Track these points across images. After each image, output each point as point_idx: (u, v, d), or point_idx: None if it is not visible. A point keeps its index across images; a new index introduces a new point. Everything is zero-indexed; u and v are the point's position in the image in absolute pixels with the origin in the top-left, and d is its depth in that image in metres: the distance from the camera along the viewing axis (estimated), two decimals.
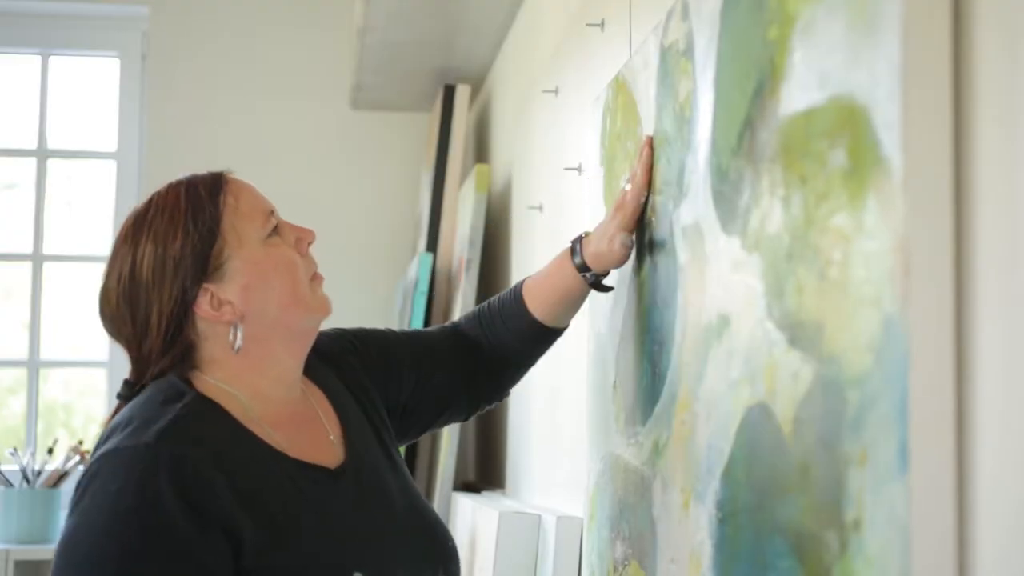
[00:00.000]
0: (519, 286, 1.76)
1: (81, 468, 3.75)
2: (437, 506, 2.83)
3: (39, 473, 3.72)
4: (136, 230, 1.55)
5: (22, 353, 4.10)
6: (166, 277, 1.51)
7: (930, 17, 0.89)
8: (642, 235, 1.61)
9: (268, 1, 4.08)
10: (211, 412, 1.49)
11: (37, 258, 4.09)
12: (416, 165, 4.04)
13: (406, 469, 1.70)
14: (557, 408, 2.28)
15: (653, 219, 1.56)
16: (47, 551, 3.61)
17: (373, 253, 3.99)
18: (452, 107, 3.47)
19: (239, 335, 1.52)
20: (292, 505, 1.46)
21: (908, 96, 0.89)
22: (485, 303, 1.83)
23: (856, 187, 0.96)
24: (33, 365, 4.07)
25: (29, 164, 4.15)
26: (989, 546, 0.85)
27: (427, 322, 3.17)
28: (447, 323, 1.86)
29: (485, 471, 3.28)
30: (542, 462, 2.44)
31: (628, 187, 1.62)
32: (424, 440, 3.17)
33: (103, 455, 1.42)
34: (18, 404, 4.22)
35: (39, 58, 4.17)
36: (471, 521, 2.42)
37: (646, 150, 1.59)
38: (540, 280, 1.73)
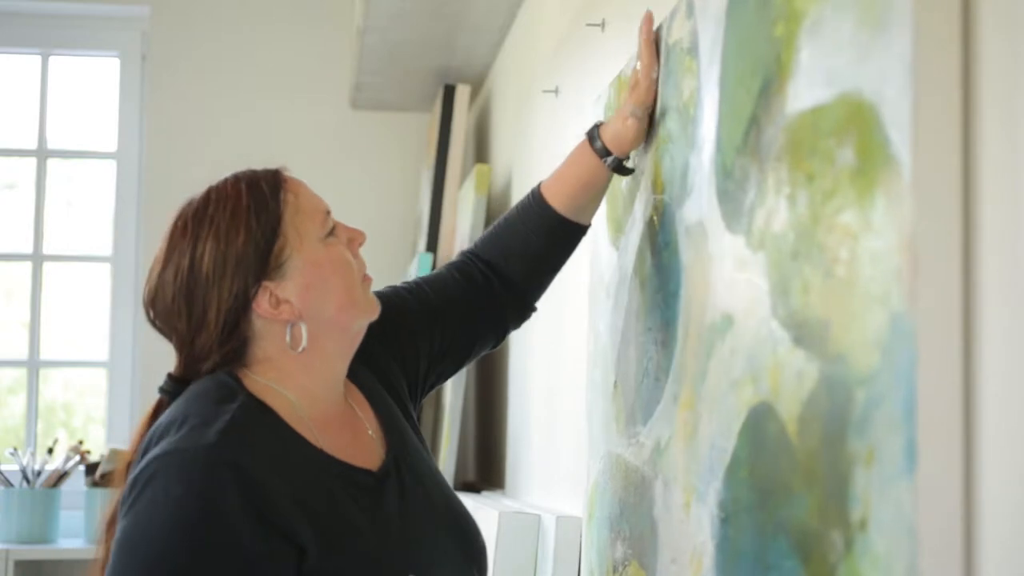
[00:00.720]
0: (536, 188, 1.72)
1: (81, 468, 3.75)
2: None
3: (39, 473, 3.72)
4: (196, 224, 1.52)
5: (22, 353, 4.09)
6: (227, 274, 1.49)
7: (940, 14, 0.89)
8: (645, 234, 1.61)
9: (268, 1, 4.08)
10: (264, 414, 1.47)
11: (37, 258, 4.08)
12: (416, 165, 4.04)
13: (432, 458, 1.69)
14: (557, 408, 2.28)
15: (656, 218, 1.56)
16: (47, 551, 3.61)
17: (373, 253, 3.94)
18: (452, 107, 3.47)
19: (304, 334, 1.51)
20: (344, 509, 1.45)
21: (918, 94, 0.89)
22: (499, 218, 1.79)
23: (864, 185, 0.96)
24: (33, 365, 4.07)
25: (29, 164, 4.15)
26: (996, 545, 0.85)
27: None
28: (459, 256, 1.81)
29: (485, 471, 3.28)
30: (542, 462, 2.43)
31: (637, 65, 1.61)
32: (424, 439, 3.16)
33: (162, 455, 1.40)
34: (18, 404, 4.22)
35: (39, 58, 4.16)
36: None
37: (646, 26, 1.59)
38: (559, 174, 1.70)
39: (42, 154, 4.13)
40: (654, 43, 1.59)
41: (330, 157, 4.05)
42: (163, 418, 1.47)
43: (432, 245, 3.37)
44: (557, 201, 1.69)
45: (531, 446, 2.55)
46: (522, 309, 1.78)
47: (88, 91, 4.27)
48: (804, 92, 1.08)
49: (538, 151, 2.59)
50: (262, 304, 1.49)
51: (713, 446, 1.28)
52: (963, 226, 0.88)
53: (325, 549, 1.41)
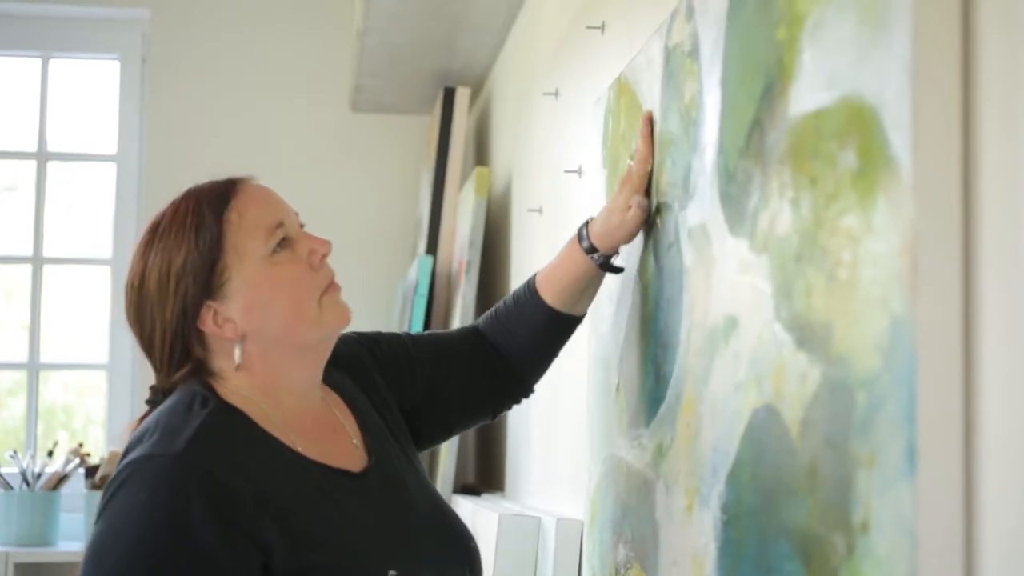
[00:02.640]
0: (532, 279, 1.75)
1: (81, 471, 3.75)
2: None
3: (39, 476, 3.72)
4: (149, 239, 1.55)
5: (22, 355, 4.09)
6: (168, 293, 1.51)
7: (940, 17, 0.89)
8: (647, 237, 1.61)
9: (268, 4, 4.08)
10: (235, 419, 1.48)
11: (37, 260, 4.08)
12: (416, 167, 4.04)
13: (424, 470, 1.70)
14: (557, 410, 2.28)
15: (658, 221, 1.56)
16: (47, 554, 3.61)
17: (373, 255, 3.98)
18: (452, 109, 3.47)
19: (238, 353, 1.51)
20: (319, 509, 1.46)
21: (918, 97, 0.89)
22: (500, 302, 1.81)
23: (865, 188, 0.96)
24: (33, 367, 4.07)
25: (29, 166, 4.15)
26: (996, 548, 0.85)
27: (426, 325, 3.16)
28: (467, 325, 1.85)
29: (485, 473, 3.28)
30: (542, 464, 2.43)
31: (631, 163, 1.62)
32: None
33: (132, 462, 1.42)
34: (18, 406, 4.22)
35: (39, 60, 4.16)
36: (471, 523, 2.42)
37: (645, 125, 1.60)
38: (551, 269, 1.72)
39: (42, 156, 4.13)
40: (651, 141, 1.61)
41: (330, 159, 4.05)
42: (139, 427, 1.49)
43: (432, 247, 3.37)
44: (549, 295, 1.72)
45: (531, 448, 2.55)
46: (522, 387, 1.81)
47: (88, 93, 4.28)
48: (806, 95, 1.08)
49: (538, 153, 2.59)
50: (207, 322, 1.50)
51: (715, 449, 1.28)
52: (963, 228, 0.88)
53: (294, 549, 1.41)
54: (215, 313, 1.50)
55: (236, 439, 1.46)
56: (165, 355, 1.53)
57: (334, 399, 1.62)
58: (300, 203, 4.40)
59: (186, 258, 1.50)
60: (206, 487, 1.39)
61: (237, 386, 1.52)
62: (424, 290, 3.16)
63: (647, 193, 1.61)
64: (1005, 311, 0.85)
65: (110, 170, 4.12)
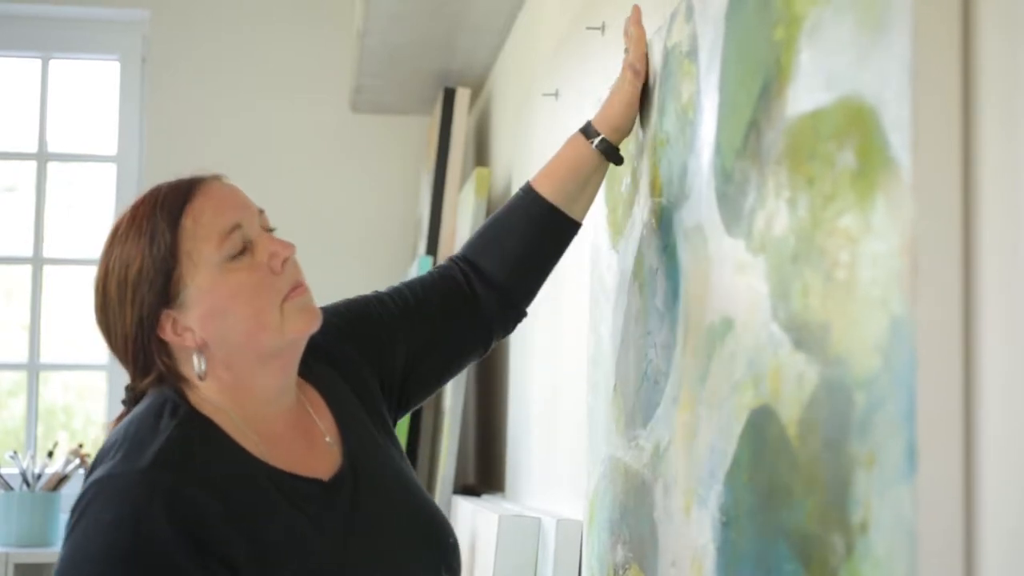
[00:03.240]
0: (528, 182, 1.69)
1: (81, 472, 3.75)
2: None
3: (39, 476, 3.72)
4: (111, 241, 1.50)
5: (22, 356, 4.09)
6: (127, 300, 1.47)
7: (940, 17, 0.89)
8: (644, 237, 1.61)
9: (268, 4, 4.08)
10: (204, 430, 1.45)
11: (37, 261, 4.08)
12: (416, 168, 4.04)
13: (405, 459, 1.65)
14: (557, 411, 2.28)
15: (655, 221, 1.55)
16: (47, 554, 3.61)
17: (373, 256, 3.98)
18: (452, 110, 3.47)
19: (202, 362, 1.49)
20: (288, 524, 1.44)
21: (918, 97, 0.89)
22: (490, 216, 1.74)
23: (864, 188, 0.96)
24: (33, 368, 4.07)
25: (29, 167, 4.15)
26: (997, 548, 0.85)
27: None
28: (444, 262, 1.76)
29: (485, 473, 3.28)
30: (542, 465, 2.43)
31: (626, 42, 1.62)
32: (424, 443, 3.17)
33: (96, 481, 1.39)
34: (18, 407, 4.21)
35: (39, 61, 4.16)
36: (471, 524, 2.42)
37: (636, 12, 1.62)
38: (551, 163, 1.67)
39: (42, 157, 4.13)
40: (642, 25, 1.61)
41: (330, 160, 4.05)
42: (106, 440, 1.46)
43: (432, 248, 3.37)
44: (546, 189, 1.66)
45: (531, 449, 2.55)
46: (507, 309, 1.72)
47: (88, 94, 4.27)
48: (804, 95, 1.08)
49: (538, 154, 2.59)
50: (166, 331, 1.47)
51: (713, 449, 1.27)
52: (963, 228, 0.88)
53: (261, 567, 1.39)
54: (174, 321, 1.46)
55: (203, 452, 1.43)
56: (130, 360, 1.50)
57: (311, 395, 1.58)
58: (300, 203, 4.40)
59: (141, 266, 1.46)
60: (171, 505, 1.36)
61: (206, 394, 1.48)
62: None
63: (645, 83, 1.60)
64: (1005, 311, 0.84)
65: (110, 171, 4.12)
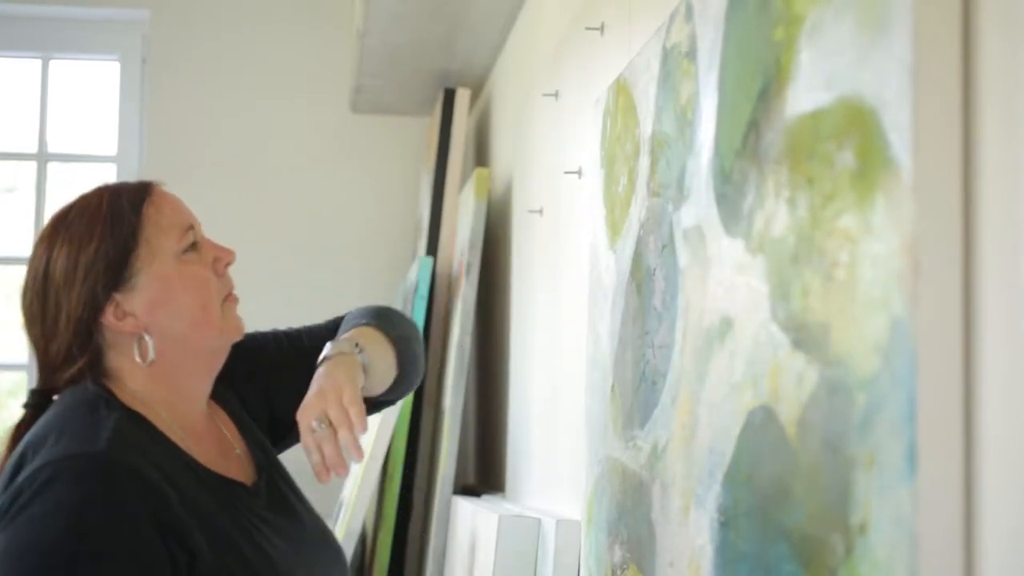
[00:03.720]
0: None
1: None
2: (437, 509, 2.83)
3: None
4: (56, 230, 1.54)
5: (22, 356, 4.09)
6: (76, 281, 1.50)
7: (940, 17, 0.89)
8: (642, 237, 1.60)
9: (268, 4, 4.08)
10: (140, 424, 1.48)
11: None
12: (416, 169, 4.04)
13: (296, 485, 1.71)
14: (557, 411, 2.28)
15: (653, 221, 1.55)
16: None
17: (373, 256, 3.98)
18: (452, 110, 3.47)
19: (150, 347, 1.50)
20: (226, 519, 1.46)
21: (918, 97, 0.88)
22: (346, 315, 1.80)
23: (864, 189, 0.95)
24: (33, 368, 4.06)
25: (29, 167, 4.15)
26: (997, 550, 0.85)
27: (426, 326, 3.16)
28: (337, 318, 1.83)
29: (485, 474, 3.28)
30: (542, 465, 2.43)
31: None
32: (424, 443, 3.17)
33: (52, 462, 1.37)
34: (18, 407, 4.21)
35: (39, 61, 4.16)
36: (471, 524, 2.42)
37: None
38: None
39: (42, 158, 4.12)
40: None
41: (330, 160, 4.05)
42: (35, 431, 1.46)
43: (432, 249, 3.36)
44: None
45: (531, 449, 2.55)
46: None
47: (88, 94, 4.27)
48: (804, 95, 1.08)
49: (538, 154, 2.59)
50: (108, 315, 1.49)
51: (712, 450, 1.27)
52: (964, 229, 0.88)
53: (216, 558, 1.42)
54: (117, 305, 1.49)
55: (149, 443, 1.45)
56: (64, 347, 1.51)
57: (219, 413, 1.63)
58: (300, 203, 4.41)
59: (98, 247, 1.50)
60: (138, 484, 1.37)
61: (134, 390, 1.50)
62: (424, 292, 3.15)
63: None
64: (1005, 311, 0.84)
65: (110, 171, 4.12)
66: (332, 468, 1.49)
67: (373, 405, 1.74)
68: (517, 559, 2.08)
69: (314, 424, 1.50)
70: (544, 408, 2.41)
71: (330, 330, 1.79)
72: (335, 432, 1.49)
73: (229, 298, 1.59)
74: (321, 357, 1.62)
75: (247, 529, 1.48)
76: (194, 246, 1.56)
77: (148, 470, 1.39)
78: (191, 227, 1.56)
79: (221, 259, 1.58)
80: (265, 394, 1.72)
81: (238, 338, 1.60)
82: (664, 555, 1.42)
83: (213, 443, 1.58)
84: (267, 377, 1.72)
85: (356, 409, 1.52)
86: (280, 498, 1.60)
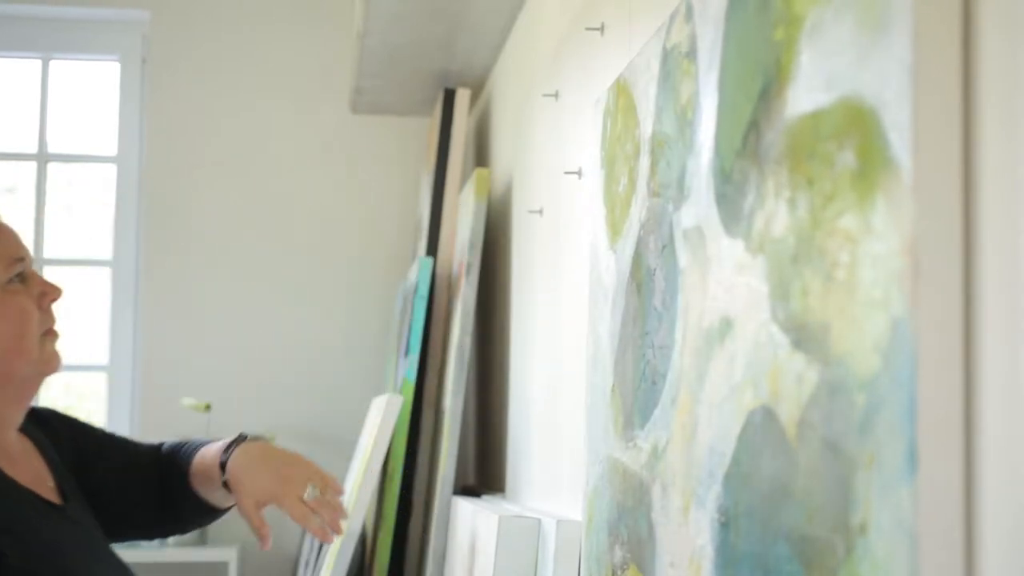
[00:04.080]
0: (189, 462, 1.82)
1: None
2: (437, 510, 2.83)
3: None
4: None
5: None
6: None
7: (940, 17, 0.89)
8: (642, 237, 1.60)
9: (268, 4, 4.08)
10: None
11: (37, 262, 4.08)
12: (416, 169, 4.04)
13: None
14: (557, 411, 2.28)
15: (653, 221, 1.55)
16: None
17: (373, 257, 3.98)
18: (452, 111, 3.47)
19: None
20: (40, 530, 1.53)
21: (918, 97, 0.88)
22: (184, 445, 1.87)
23: (864, 189, 0.95)
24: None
25: (29, 168, 4.15)
26: (997, 550, 0.85)
27: (426, 327, 3.16)
28: (155, 446, 1.91)
29: (485, 474, 3.28)
30: (542, 465, 2.43)
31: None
32: (424, 443, 3.17)
33: None
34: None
35: (40, 62, 4.16)
36: (471, 525, 2.42)
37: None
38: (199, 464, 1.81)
39: (42, 158, 4.13)
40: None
41: (330, 160, 4.05)
42: None
43: (432, 249, 3.36)
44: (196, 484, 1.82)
45: (532, 449, 2.55)
46: (178, 525, 1.88)
47: (88, 95, 4.27)
48: (804, 95, 1.08)
49: (538, 155, 2.59)
50: None
51: (712, 450, 1.27)
52: (963, 228, 0.88)
53: (24, 564, 1.47)
54: None
55: None
56: None
57: (28, 447, 1.70)
58: (300, 204, 4.41)
59: None
60: None
61: None
62: (424, 292, 3.15)
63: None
64: (1005, 311, 0.84)
65: (110, 171, 4.12)
66: (333, 527, 1.67)
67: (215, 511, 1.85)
68: (517, 560, 2.08)
69: (308, 492, 1.65)
70: (544, 408, 2.41)
71: (145, 455, 1.87)
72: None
73: (50, 332, 1.64)
74: (239, 436, 1.75)
75: (60, 543, 1.59)
76: (21, 277, 1.61)
77: None
78: (21, 259, 1.62)
79: (47, 295, 1.64)
80: (80, 455, 1.80)
81: (53, 372, 1.66)
82: (664, 555, 1.42)
83: (26, 467, 1.65)
84: (88, 442, 1.81)
85: (326, 473, 1.70)
86: (85, 523, 1.67)
